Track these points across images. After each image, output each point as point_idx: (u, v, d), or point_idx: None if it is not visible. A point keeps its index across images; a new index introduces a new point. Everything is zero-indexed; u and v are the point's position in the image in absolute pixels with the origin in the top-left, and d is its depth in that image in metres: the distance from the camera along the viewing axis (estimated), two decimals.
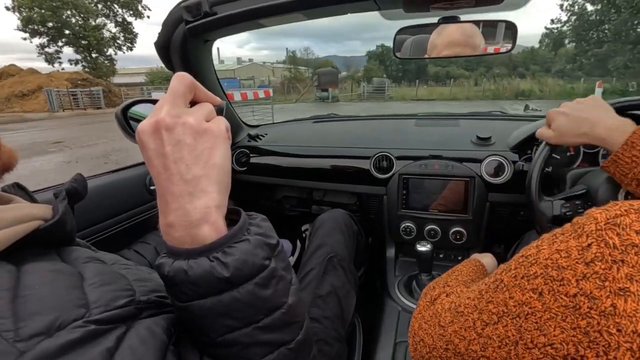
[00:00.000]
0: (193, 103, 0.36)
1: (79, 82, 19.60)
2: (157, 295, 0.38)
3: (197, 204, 0.32)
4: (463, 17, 0.85)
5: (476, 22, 0.90)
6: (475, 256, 0.81)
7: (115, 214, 1.00)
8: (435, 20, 0.86)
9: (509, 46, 0.91)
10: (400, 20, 0.95)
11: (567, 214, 0.74)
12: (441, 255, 1.20)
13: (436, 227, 1.12)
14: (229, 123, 0.38)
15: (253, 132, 1.47)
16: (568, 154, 0.98)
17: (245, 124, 1.53)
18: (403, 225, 1.16)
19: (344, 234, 1.02)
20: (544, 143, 0.81)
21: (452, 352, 0.39)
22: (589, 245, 0.28)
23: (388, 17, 0.93)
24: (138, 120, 1.05)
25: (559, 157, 0.98)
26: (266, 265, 0.34)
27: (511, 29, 0.89)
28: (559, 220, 0.74)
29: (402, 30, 0.98)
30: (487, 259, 0.79)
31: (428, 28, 0.92)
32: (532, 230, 0.98)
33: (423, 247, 0.95)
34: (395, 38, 0.98)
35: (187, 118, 0.33)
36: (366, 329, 0.97)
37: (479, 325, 0.36)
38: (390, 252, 1.23)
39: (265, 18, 0.87)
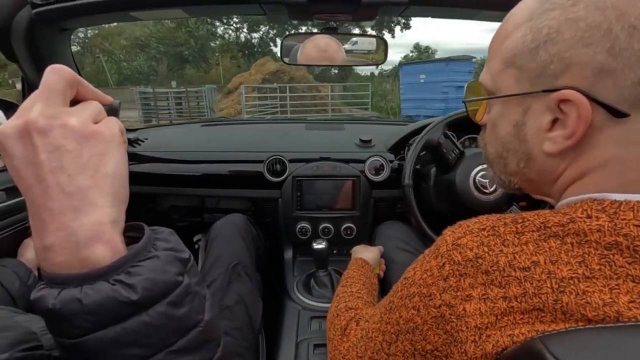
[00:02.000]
0: (74, 103, 0.30)
1: None
2: (24, 349, 0.30)
3: (85, 220, 0.27)
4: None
5: (353, 35, 0.99)
6: (356, 253, 0.90)
7: None
8: (316, 30, 0.92)
9: (382, 59, 1.03)
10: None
11: (445, 150, 0.94)
12: (335, 251, 1.27)
13: (329, 225, 1.18)
14: None
15: (131, 136, 1.30)
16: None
17: None
18: (299, 226, 1.19)
19: (245, 240, 0.99)
20: (413, 145, 0.95)
21: None
22: (444, 264, 0.35)
23: (273, 21, 0.94)
24: None
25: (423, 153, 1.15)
26: (180, 282, 0.30)
27: (383, 44, 1.01)
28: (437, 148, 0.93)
29: (288, 37, 1.01)
30: (368, 253, 0.88)
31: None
32: (384, 222, 1.16)
33: (319, 245, 0.99)
34: (282, 43, 1.01)
35: (67, 119, 0.27)
36: (268, 332, 0.97)
37: (385, 346, 0.41)
38: (288, 254, 1.25)
39: (138, 11, 0.78)
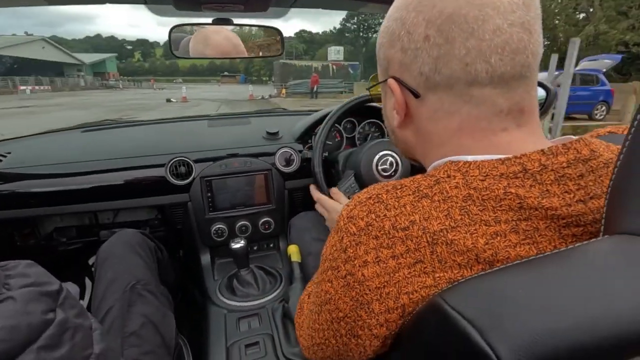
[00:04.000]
0: None
1: None
2: None
3: None
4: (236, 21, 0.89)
5: (248, 26, 0.97)
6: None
7: None
8: (209, 20, 0.87)
9: (277, 52, 1.03)
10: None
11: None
12: (255, 247, 1.26)
13: (246, 222, 1.16)
14: None
15: None
16: (336, 139, 1.22)
17: None
18: (214, 228, 1.14)
19: (141, 255, 0.90)
20: (319, 133, 0.99)
21: (315, 345, 0.48)
22: (342, 237, 0.39)
23: (157, 13, 0.86)
24: None
25: (330, 142, 1.20)
26: (50, 320, 0.26)
27: (278, 35, 1.02)
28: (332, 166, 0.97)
29: (177, 28, 0.94)
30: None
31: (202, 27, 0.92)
32: (297, 215, 1.19)
33: (237, 244, 0.97)
34: (170, 35, 0.93)
35: None
36: (195, 344, 0.91)
37: (316, 317, 0.45)
38: (206, 259, 1.19)
39: None
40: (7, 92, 24.98)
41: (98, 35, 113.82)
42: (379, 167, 0.93)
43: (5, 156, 1.08)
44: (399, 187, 0.38)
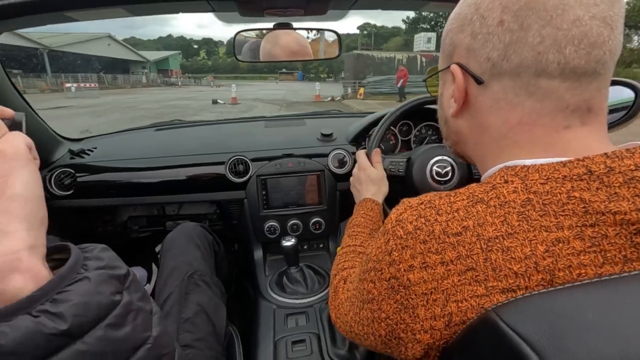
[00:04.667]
0: None
1: None
2: None
3: None
4: (295, 25, 0.91)
5: (308, 30, 0.98)
6: (362, 185, 0.87)
7: None
8: (270, 25, 0.90)
9: (336, 52, 1.03)
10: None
11: (392, 170, 0.95)
12: (305, 247, 1.28)
13: (298, 221, 1.18)
14: (34, 139, 0.30)
15: (76, 147, 1.21)
16: (391, 142, 1.19)
17: (63, 137, 1.25)
18: (267, 225, 1.18)
19: (200, 247, 0.96)
20: (373, 136, 0.97)
21: (354, 333, 0.49)
22: (388, 240, 0.38)
23: (223, 19, 0.91)
24: None
25: (384, 146, 1.18)
26: (117, 301, 0.29)
27: (337, 37, 1.02)
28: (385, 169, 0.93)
29: (241, 33, 0.98)
30: (372, 187, 0.86)
31: (266, 32, 0.96)
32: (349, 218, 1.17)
33: (288, 242, 0.99)
34: (234, 40, 0.98)
35: None
36: (244, 335, 0.95)
37: (357, 311, 0.46)
38: (258, 254, 1.23)
39: (74, 10, 0.72)
40: (58, 89, 22.97)
41: (169, 36, 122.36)
42: (433, 173, 0.89)
43: (92, 151, 1.22)
44: (453, 194, 0.38)
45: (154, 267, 1.44)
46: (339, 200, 1.23)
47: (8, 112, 0.30)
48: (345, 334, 0.54)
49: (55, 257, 0.29)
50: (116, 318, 0.28)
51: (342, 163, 1.19)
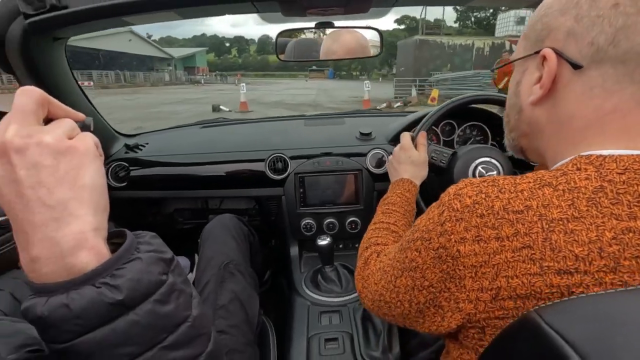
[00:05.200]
0: (48, 121, 0.32)
1: None
2: (29, 351, 0.32)
3: (67, 230, 0.28)
4: (336, 23, 0.91)
5: (350, 28, 0.98)
6: (400, 164, 0.85)
7: None
8: (312, 24, 0.91)
9: (377, 50, 1.02)
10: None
11: (434, 158, 0.93)
12: (340, 246, 1.28)
13: (334, 220, 1.19)
14: (97, 136, 0.34)
15: (131, 142, 1.31)
16: (432, 142, 1.15)
17: (119, 133, 1.35)
18: (303, 222, 1.19)
19: (235, 239, 1.00)
20: (414, 134, 0.95)
21: (383, 302, 0.50)
22: (443, 211, 0.39)
23: (265, 19, 0.93)
24: None
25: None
26: (164, 280, 0.32)
27: (378, 35, 1.01)
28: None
29: (283, 33, 1.00)
30: (413, 169, 0.84)
31: (308, 31, 0.96)
32: None
33: (323, 241, 1.00)
34: (277, 40, 1.00)
35: (42, 137, 0.28)
36: (279, 329, 0.98)
37: (393, 279, 0.47)
38: (294, 251, 1.25)
39: (132, 15, 0.78)
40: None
41: (203, 35, 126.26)
42: (476, 173, 0.85)
43: (144, 146, 1.31)
44: (518, 176, 0.38)
45: (196, 257, 1.52)
46: (376, 200, 1.21)
47: (80, 116, 0.35)
48: (369, 303, 0.55)
49: (113, 241, 0.33)
50: (162, 295, 0.31)
51: (380, 163, 1.18)
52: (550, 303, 0.30)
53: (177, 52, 51.57)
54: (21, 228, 0.28)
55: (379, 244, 0.65)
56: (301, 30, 0.98)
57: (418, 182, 0.83)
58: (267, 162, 1.19)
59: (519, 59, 0.46)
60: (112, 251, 0.32)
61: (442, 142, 1.15)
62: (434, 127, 1.12)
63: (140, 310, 0.30)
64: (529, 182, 0.36)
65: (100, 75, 28.11)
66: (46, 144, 0.29)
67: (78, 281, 0.28)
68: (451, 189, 0.40)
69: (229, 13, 0.85)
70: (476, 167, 0.85)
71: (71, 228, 0.29)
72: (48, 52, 0.90)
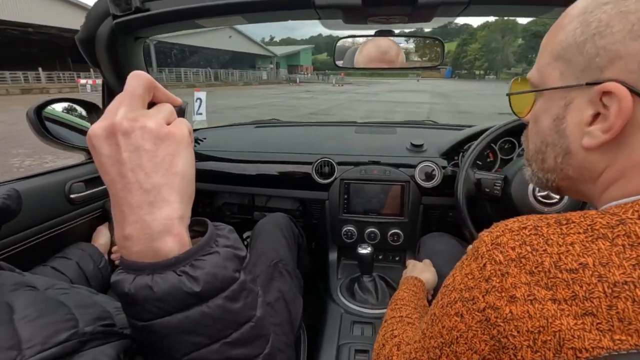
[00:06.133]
0: (151, 104, 0.33)
1: None
2: (103, 324, 0.34)
3: (157, 215, 0.30)
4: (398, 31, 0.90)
5: (408, 37, 0.96)
6: (412, 270, 0.85)
7: (27, 226, 0.88)
8: (372, 32, 0.91)
9: (437, 62, 0.99)
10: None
11: (486, 190, 0.88)
12: (380, 257, 1.25)
13: (376, 230, 1.17)
14: None
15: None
16: (488, 160, 1.09)
17: None
18: (345, 229, 1.19)
19: (286, 238, 1.01)
20: (469, 151, 0.90)
21: None
22: (484, 265, 0.33)
23: (328, 26, 0.95)
24: (53, 121, 0.93)
25: (481, 162, 1.08)
26: (236, 278, 0.32)
27: (439, 46, 0.98)
28: (478, 187, 0.87)
29: (342, 40, 1.01)
30: (427, 274, 0.83)
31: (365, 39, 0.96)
32: (430, 234, 1.09)
33: (364, 250, 0.98)
34: (335, 47, 1.01)
35: (146, 121, 0.30)
36: (310, 332, 0.98)
37: None
38: (333, 256, 1.25)
39: (203, 19, 0.84)
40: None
41: (319, 35, 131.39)
42: (536, 192, 0.79)
43: (202, 140, 1.39)
44: (564, 222, 0.32)
45: None
46: (422, 214, 1.17)
47: (179, 101, 0.36)
48: None
49: (193, 229, 0.35)
50: (233, 292, 0.32)
51: (429, 176, 1.14)
52: (625, 352, 0.26)
53: (279, 50, 50.56)
54: (119, 207, 0.30)
55: (396, 337, 0.57)
56: (364, 37, 0.98)
57: (424, 279, 0.81)
58: (315, 165, 1.20)
59: (557, 88, 0.37)
60: (191, 237, 0.33)
61: (499, 161, 1.08)
62: (492, 145, 1.06)
63: (212, 304, 0.30)
64: (579, 232, 0.30)
65: (186, 72, 27.81)
66: (149, 129, 0.30)
67: (162, 265, 0.29)
68: (485, 237, 0.35)
69: (291, 19, 0.88)
70: (534, 189, 0.79)
71: (161, 213, 0.30)
72: (129, 50, 1.00)
